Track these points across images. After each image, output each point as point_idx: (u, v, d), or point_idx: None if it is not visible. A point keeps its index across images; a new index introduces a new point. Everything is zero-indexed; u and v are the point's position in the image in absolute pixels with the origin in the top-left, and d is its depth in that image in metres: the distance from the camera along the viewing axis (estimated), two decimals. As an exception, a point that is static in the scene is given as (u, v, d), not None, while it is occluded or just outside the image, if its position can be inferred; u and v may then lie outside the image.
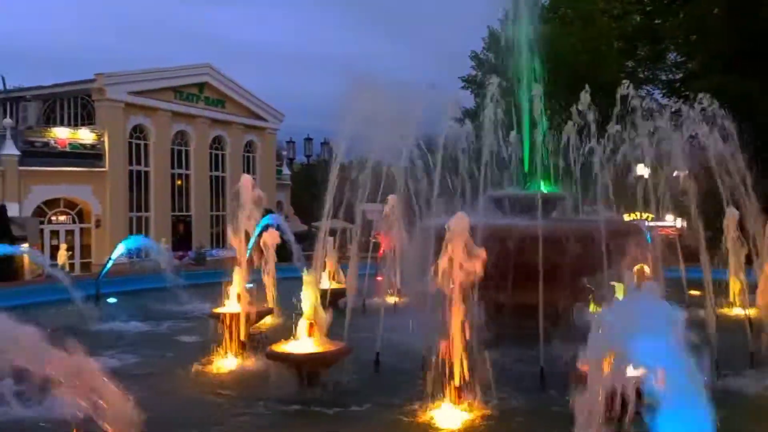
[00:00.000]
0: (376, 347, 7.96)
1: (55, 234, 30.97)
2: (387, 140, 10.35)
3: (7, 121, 30.71)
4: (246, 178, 9.18)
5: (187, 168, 37.82)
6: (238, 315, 8.56)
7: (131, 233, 33.11)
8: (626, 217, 14.59)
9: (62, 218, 31.63)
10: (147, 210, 35.23)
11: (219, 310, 9.20)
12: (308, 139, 29.35)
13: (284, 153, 47.87)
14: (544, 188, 10.05)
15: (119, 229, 32.53)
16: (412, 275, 11.64)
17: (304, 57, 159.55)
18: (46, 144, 30.92)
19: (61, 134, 31.44)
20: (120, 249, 14.79)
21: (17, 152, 29.46)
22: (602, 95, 12.88)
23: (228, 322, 8.48)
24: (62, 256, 27.93)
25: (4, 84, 35.96)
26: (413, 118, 10.80)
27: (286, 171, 47.03)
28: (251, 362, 8.08)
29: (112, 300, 13.78)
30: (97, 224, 32.08)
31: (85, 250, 31.96)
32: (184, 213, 37.70)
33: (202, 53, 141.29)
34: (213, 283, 13.74)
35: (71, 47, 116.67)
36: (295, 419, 6.34)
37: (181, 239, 35.92)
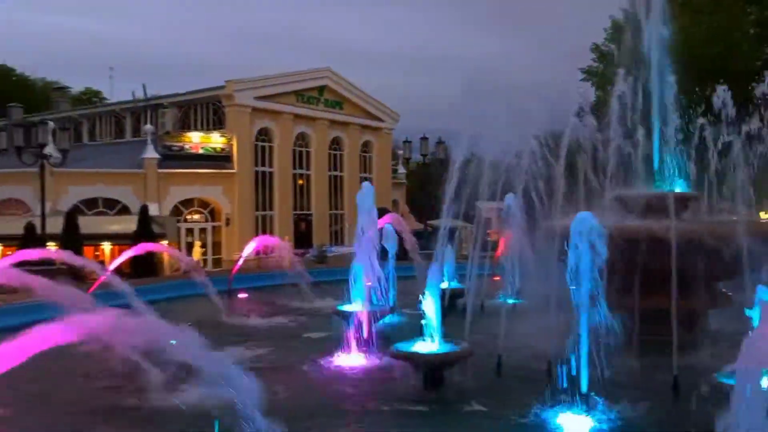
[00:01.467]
0: (498, 349, 7.93)
1: (189, 232, 33.25)
2: (506, 138, 10.27)
3: (148, 127, 33.36)
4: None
5: (307, 168, 39.25)
6: (362, 313, 8.82)
7: (257, 231, 34.95)
8: (764, 216, 13.57)
9: (196, 217, 33.90)
10: (271, 209, 36.93)
11: (344, 307, 9.54)
12: (424, 139, 29.54)
13: (400, 152, 48.43)
14: (675, 187, 9.56)
15: (247, 227, 34.36)
16: (533, 276, 11.48)
17: (420, 57, 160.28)
18: (182, 148, 33.25)
19: (195, 138, 33.71)
20: (251, 246, 15.66)
21: (157, 156, 31.93)
22: (736, 86, 12.06)
23: (353, 320, 8.77)
24: (197, 252, 30.03)
25: (145, 92, 39.04)
26: (534, 115, 10.64)
27: (401, 170, 47.59)
28: (376, 359, 8.31)
29: (243, 295, 14.60)
30: (227, 222, 34.08)
31: (216, 246, 34.03)
32: (305, 212, 39.15)
33: (322, 56, 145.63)
34: (334, 281, 14.28)
35: (203, 56, 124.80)
36: (418, 418, 6.45)
37: (302, 237, 37.34)
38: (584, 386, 5.92)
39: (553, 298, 8.20)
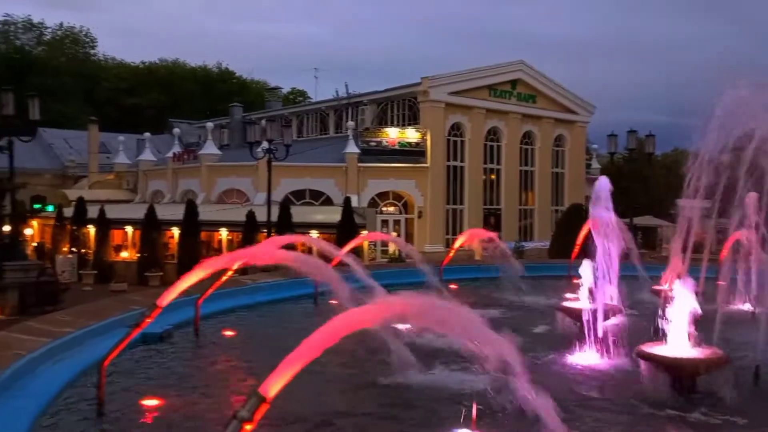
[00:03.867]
0: (751, 359, 7.41)
1: (384, 223, 34.75)
2: (722, 130, 9.52)
3: (350, 123, 35.44)
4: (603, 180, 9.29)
5: (498, 163, 39.12)
6: (593, 311, 8.69)
7: (447, 225, 35.66)
8: None
9: (391, 209, 35.35)
10: (461, 203, 37.36)
11: (570, 304, 9.47)
12: (631, 132, 28.05)
13: (594, 147, 46.58)
14: None
15: (437, 220, 35.19)
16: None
17: (619, 48, 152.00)
18: (379, 143, 34.85)
19: (392, 134, 35.16)
20: (461, 239, 16.06)
21: (357, 151, 33.79)
22: None
23: (583, 318, 8.67)
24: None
25: (347, 90, 41.54)
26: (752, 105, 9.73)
27: (594, 165, 45.73)
28: (612, 359, 8.15)
29: (453, 286, 14.97)
30: (419, 215, 35.11)
31: (409, 238, 35.21)
32: (495, 206, 39.09)
33: (513, 47, 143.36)
34: (530, 277, 14.16)
35: (396, 52, 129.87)
36: (671, 424, 6.21)
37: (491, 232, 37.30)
38: None
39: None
